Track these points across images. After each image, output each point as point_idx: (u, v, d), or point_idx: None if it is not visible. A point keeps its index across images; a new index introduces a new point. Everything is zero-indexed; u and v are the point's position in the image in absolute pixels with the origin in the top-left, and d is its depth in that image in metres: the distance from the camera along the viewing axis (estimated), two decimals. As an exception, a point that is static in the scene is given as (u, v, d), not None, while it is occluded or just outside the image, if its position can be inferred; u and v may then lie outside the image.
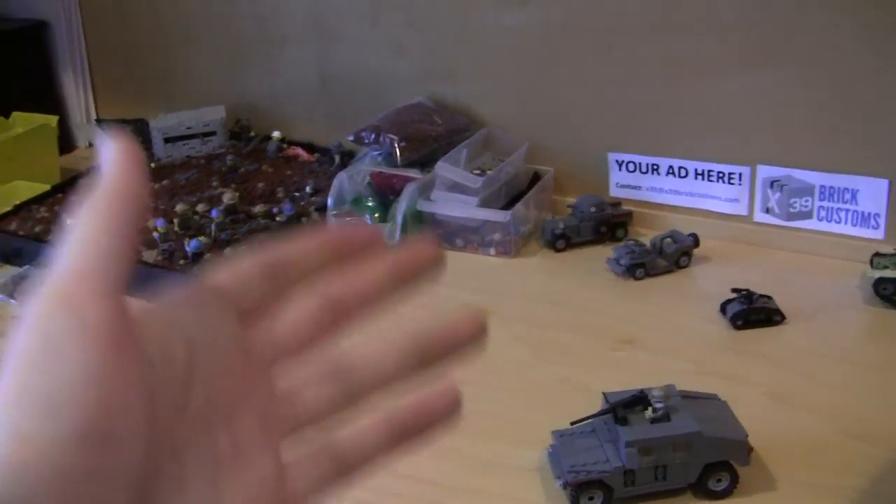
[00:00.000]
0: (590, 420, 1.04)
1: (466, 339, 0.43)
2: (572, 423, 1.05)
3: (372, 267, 0.43)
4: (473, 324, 0.43)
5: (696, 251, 1.51)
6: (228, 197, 1.68)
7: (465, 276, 1.53)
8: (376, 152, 1.70)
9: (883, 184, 1.43)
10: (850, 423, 1.13)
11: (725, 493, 1.01)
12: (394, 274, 0.43)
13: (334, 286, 0.42)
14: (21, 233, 1.66)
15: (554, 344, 1.32)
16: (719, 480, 1.01)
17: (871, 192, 1.45)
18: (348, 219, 1.62)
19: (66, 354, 0.33)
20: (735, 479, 1.01)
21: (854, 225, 1.48)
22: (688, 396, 1.05)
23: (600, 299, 1.45)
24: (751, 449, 1.01)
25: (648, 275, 1.48)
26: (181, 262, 1.54)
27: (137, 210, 0.37)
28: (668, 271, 1.49)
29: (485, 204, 1.59)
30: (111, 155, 0.37)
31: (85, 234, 0.35)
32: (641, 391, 1.02)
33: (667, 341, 1.31)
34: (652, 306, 1.42)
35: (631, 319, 1.38)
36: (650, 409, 1.01)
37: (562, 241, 1.59)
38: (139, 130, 1.97)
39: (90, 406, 0.33)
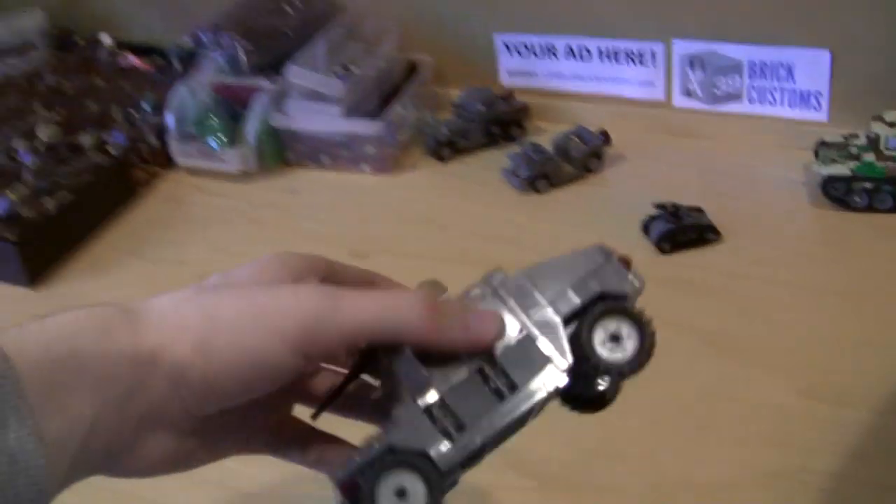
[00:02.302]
0: None
1: None
2: None
3: None
4: None
5: (607, 149, 1.27)
6: (45, 131, 1.37)
7: (335, 201, 1.28)
8: (217, 55, 1.41)
9: (824, 56, 1.18)
10: (814, 379, 0.91)
11: None
12: None
13: None
14: None
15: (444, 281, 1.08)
16: None
17: (810, 67, 1.20)
18: (195, 145, 1.34)
19: None
20: None
21: (792, 106, 1.23)
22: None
23: (497, 222, 1.20)
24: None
25: (553, 185, 1.24)
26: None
27: None
28: (576, 178, 1.25)
29: (354, 110, 1.31)
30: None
31: None
32: None
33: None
34: (560, 227, 1.17)
35: (535, 246, 1.13)
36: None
37: (447, 149, 1.33)
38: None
39: None
